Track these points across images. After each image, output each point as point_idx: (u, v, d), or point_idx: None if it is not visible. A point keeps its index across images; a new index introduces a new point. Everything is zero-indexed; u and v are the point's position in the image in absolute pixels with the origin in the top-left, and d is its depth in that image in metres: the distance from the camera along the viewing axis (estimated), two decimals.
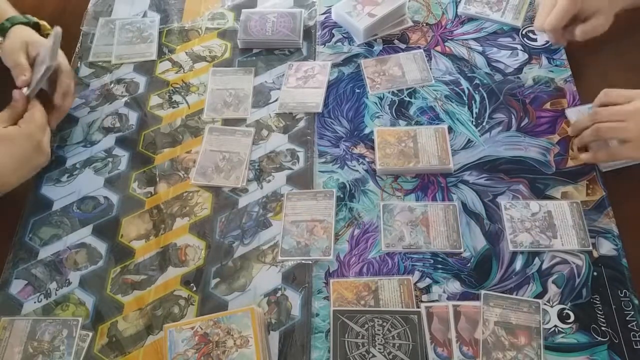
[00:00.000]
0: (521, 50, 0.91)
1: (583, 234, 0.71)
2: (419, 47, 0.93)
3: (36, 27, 0.88)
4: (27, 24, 0.86)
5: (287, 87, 0.89)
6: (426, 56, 0.91)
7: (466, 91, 0.87)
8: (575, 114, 0.81)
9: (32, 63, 0.82)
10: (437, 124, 0.83)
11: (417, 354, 0.63)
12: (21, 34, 0.85)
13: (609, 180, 0.76)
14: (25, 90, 0.79)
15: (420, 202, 0.76)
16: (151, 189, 0.80)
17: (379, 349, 0.64)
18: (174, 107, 0.89)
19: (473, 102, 0.86)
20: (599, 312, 0.66)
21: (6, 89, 0.80)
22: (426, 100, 0.86)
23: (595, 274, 0.69)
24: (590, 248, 0.70)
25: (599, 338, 0.64)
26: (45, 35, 0.88)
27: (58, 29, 0.80)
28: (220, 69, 0.93)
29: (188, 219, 0.77)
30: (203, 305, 0.69)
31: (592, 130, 0.75)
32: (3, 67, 0.84)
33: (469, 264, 0.70)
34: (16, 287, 0.72)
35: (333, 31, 0.97)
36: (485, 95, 0.86)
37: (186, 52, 0.96)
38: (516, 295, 0.67)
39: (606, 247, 0.70)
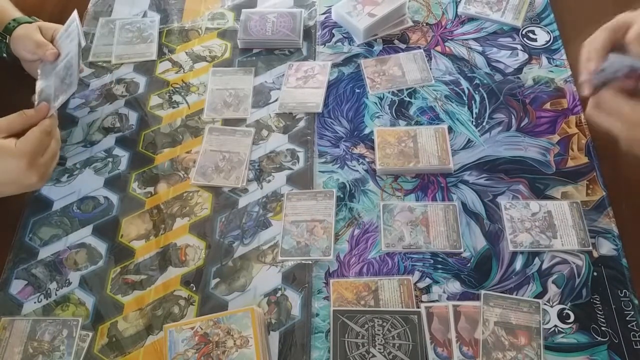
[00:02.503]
0: (521, 50, 0.91)
1: (583, 234, 0.71)
2: (419, 47, 0.93)
3: None
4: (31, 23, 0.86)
5: (287, 87, 0.89)
6: (426, 56, 0.91)
7: (466, 91, 0.87)
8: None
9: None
10: (437, 124, 0.83)
11: (417, 354, 0.63)
12: (29, 25, 0.85)
13: (609, 180, 0.76)
14: (35, 98, 0.77)
15: (420, 202, 0.76)
16: (151, 189, 0.80)
17: (379, 349, 0.64)
18: (174, 107, 0.89)
19: (473, 102, 0.86)
20: (599, 312, 0.66)
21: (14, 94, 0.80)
22: (426, 100, 0.86)
23: (595, 274, 0.69)
24: (590, 248, 0.70)
25: (599, 338, 0.64)
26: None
27: (74, 16, 0.79)
28: (220, 69, 0.93)
29: (188, 219, 0.77)
30: (203, 305, 0.69)
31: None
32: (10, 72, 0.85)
33: (469, 264, 0.70)
34: (16, 287, 0.72)
35: (333, 31, 0.97)
36: (485, 95, 0.86)
37: (186, 52, 0.96)
38: (516, 295, 0.67)
39: (606, 247, 0.70)
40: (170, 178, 0.81)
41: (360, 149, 0.82)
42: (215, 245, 0.74)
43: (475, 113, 0.84)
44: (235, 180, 0.79)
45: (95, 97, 0.90)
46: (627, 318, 0.65)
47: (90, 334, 0.68)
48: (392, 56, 0.92)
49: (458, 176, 0.78)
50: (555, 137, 0.81)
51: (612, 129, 0.64)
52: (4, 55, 0.86)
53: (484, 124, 0.83)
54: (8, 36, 0.84)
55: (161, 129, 0.86)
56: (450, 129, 0.82)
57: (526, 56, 0.90)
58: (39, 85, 0.79)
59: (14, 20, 0.85)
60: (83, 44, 0.80)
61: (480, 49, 0.92)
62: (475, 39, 0.93)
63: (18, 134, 0.72)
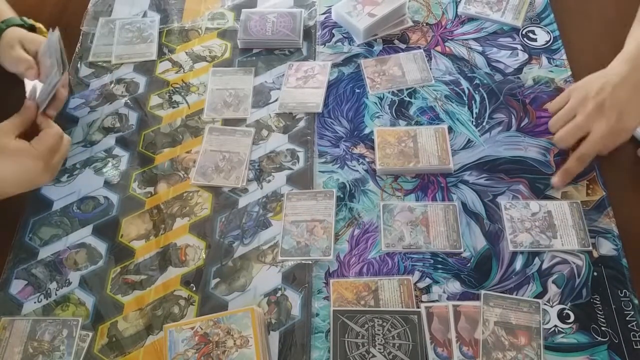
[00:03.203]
0: (521, 50, 0.91)
1: (583, 234, 0.71)
2: (419, 47, 0.93)
3: (32, 30, 0.88)
4: (22, 26, 0.86)
5: (287, 87, 0.89)
6: (426, 56, 0.91)
7: (466, 91, 0.87)
8: None
9: (34, 58, 0.83)
10: (437, 124, 0.83)
11: (417, 354, 0.63)
12: (13, 34, 0.85)
13: (609, 181, 0.76)
14: (28, 93, 0.78)
15: (420, 202, 0.76)
16: (151, 189, 0.80)
17: (379, 349, 0.64)
18: (174, 107, 0.89)
19: (473, 102, 0.86)
20: (599, 312, 0.66)
21: (6, 96, 0.80)
22: (426, 100, 0.86)
23: (595, 274, 0.69)
24: (590, 248, 0.70)
25: (599, 338, 0.64)
26: None
27: (56, 34, 0.79)
28: (220, 69, 0.93)
29: (188, 219, 0.77)
30: (203, 305, 0.69)
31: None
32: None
33: (469, 264, 0.70)
34: (16, 287, 0.72)
35: (333, 31, 0.97)
36: (485, 95, 0.86)
37: (186, 52, 0.96)
38: (516, 295, 0.67)
39: (606, 247, 0.70)
40: (170, 178, 0.81)
41: (360, 149, 0.82)
42: (215, 245, 0.74)
43: (475, 113, 0.84)
44: (235, 180, 0.79)
45: (95, 97, 0.90)
46: (627, 318, 0.65)
47: (90, 334, 0.68)
48: (392, 56, 0.92)
49: (458, 176, 0.78)
50: None
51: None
52: None
53: (484, 124, 0.83)
54: None
55: (161, 129, 0.86)
56: (450, 129, 0.82)
57: (526, 56, 0.90)
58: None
59: (2, 22, 0.85)
60: (64, 69, 0.78)
61: (480, 49, 0.92)
62: (475, 39, 0.93)
63: (22, 134, 0.75)
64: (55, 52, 0.78)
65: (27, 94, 0.80)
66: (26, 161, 0.73)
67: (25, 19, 0.87)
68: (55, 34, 0.79)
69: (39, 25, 0.88)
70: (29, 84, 0.81)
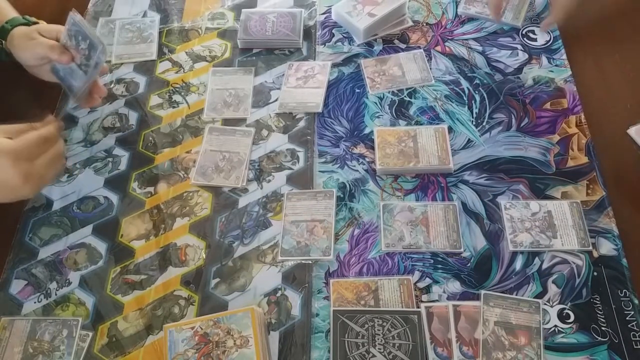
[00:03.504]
0: (521, 50, 0.91)
1: (583, 234, 0.71)
2: (419, 47, 0.93)
3: None
4: (26, 24, 0.86)
5: (287, 87, 0.89)
6: (426, 56, 0.91)
7: (466, 91, 0.87)
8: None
9: None
10: (437, 123, 0.83)
11: (417, 354, 0.63)
12: (26, 28, 0.83)
13: (609, 181, 0.76)
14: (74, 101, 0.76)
15: (420, 202, 0.76)
16: (151, 189, 0.80)
17: (379, 349, 0.64)
18: (174, 107, 0.89)
19: (473, 102, 0.86)
20: (599, 312, 0.66)
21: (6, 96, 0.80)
22: (426, 100, 0.86)
23: (595, 274, 0.69)
24: (590, 248, 0.70)
25: (599, 338, 0.64)
26: None
27: (78, 15, 0.77)
28: (220, 68, 0.93)
29: (188, 219, 0.77)
30: (203, 305, 0.69)
31: None
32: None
33: (469, 264, 0.70)
34: (16, 287, 0.72)
35: (333, 31, 0.97)
36: (485, 95, 0.86)
37: (186, 52, 0.96)
38: (516, 295, 0.67)
39: (606, 247, 0.70)
40: (170, 178, 0.81)
41: (360, 149, 0.82)
42: (215, 245, 0.74)
43: (475, 113, 0.84)
44: (235, 180, 0.79)
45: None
46: (627, 318, 0.65)
47: (90, 333, 0.68)
48: (392, 56, 0.92)
49: (458, 176, 0.78)
50: (555, 137, 0.81)
51: None
52: (2, 58, 0.85)
53: (484, 123, 0.83)
54: (4, 41, 0.83)
55: (161, 129, 0.86)
56: (450, 129, 0.82)
57: (526, 56, 0.90)
58: (69, 84, 0.79)
59: (6, 22, 0.84)
60: (103, 45, 0.77)
61: (480, 48, 0.92)
62: (475, 39, 0.93)
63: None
64: (90, 32, 0.77)
65: (76, 86, 0.78)
66: None
67: (28, 17, 0.87)
68: (77, 16, 0.77)
69: (42, 22, 0.88)
70: (67, 76, 0.79)
